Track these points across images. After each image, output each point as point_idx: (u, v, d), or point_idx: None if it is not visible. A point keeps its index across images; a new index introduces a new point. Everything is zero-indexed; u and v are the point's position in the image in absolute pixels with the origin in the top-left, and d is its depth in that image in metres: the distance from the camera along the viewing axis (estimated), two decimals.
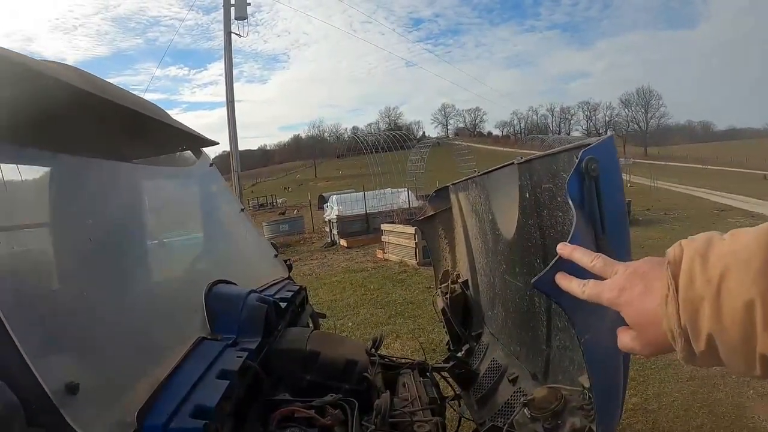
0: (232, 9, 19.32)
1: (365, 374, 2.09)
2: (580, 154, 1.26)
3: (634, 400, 4.82)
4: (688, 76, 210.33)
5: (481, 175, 2.81)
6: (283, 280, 2.96)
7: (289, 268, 3.28)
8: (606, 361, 1.33)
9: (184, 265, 2.36)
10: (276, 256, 3.26)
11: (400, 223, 14.27)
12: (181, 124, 2.46)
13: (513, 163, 2.19)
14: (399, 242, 13.42)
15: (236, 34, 19.51)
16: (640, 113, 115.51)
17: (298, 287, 2.92)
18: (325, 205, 21.66)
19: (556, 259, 0.90)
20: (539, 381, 2.21)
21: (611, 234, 1.29)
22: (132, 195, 2.14)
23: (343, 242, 17.50)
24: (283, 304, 2.40)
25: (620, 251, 1.29)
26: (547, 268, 0.93)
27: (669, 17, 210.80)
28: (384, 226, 14.63)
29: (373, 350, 2.46)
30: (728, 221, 17.52)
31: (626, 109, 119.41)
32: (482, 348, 3.02)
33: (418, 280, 10.76)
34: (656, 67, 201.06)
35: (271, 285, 2.71)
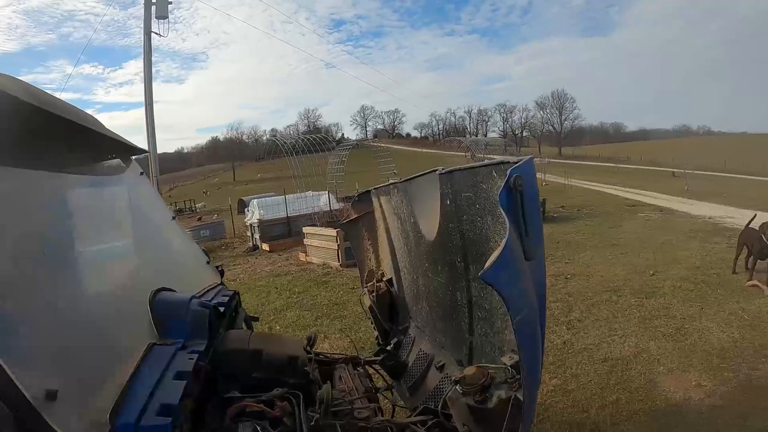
0: (153, 8, 18.49)
1: (306, 368, 2.26)
2: (509, 171, 1.53)
3: (554, 382, 5.24)
4: (601, 80, 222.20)
5: (403, 181, 3.04)
6: (217, 286, 3.05)
7: (221, 273, 3.37)
8: (532, 338, 1.61)
9: (127, 274, 2.41)
10: (208, 262, 3.35)
11: (322, 226, 14.37)
12: (112, 132, 2.51)
13: (434, 172, 2.44)
14: (321, 245, 13.52)
15: (157, 33, 18.58)
16: (555, 115, 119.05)
17: (232, 292, 3.02)
18: (246, 209, 21.29)
19: (497, 253, 1.15)
20: (464, 366, 2.46)
21: (531, 235, 1.58)
22: (72, 206, 2.19)
23: (265, 246, 17.36)
24: (221, 309, 2.52)
25: (537, 248, 1.63)
26: (490, 262, 1.18)
27: (586, 25, 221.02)
28: (306, 230, 14.68)
29: (308, 348, 2.64)
30: (639, 215, 18.84)
31: (541, 111, 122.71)
32: (409, 340, 3.26)
33: (341, 282, 10.94)
34: (572, 71, 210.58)
35: (208, 290, 2.79)
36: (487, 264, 1.31)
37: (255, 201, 20.36)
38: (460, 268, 2.35)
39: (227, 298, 2.78)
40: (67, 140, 2.17)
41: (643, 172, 57.09)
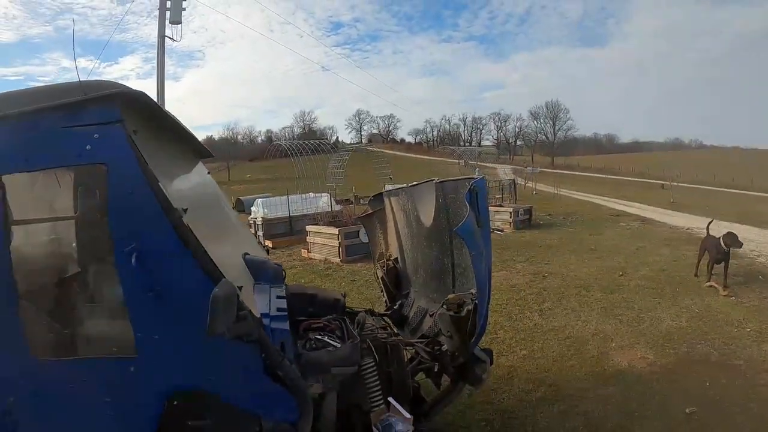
0: (167, 12, 18.96)
1: (345, 308, 3.40)
2: (470, 183, 2.83)
3: (523, 353, 6.41)
4: (597, 90, 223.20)
5: (409, 186, 4.21)
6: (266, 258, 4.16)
7: (267, 251, 4.49)
8: (481, 269, 2.82)
9: (234, 239, 3.56)
10: (259, 242, 4.48)
11: (324, 225, 15.38)
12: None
13: (432, 181, 3.63)
14: (323, 242, 14.55)
15: (170, 38, 19.16)
16: (548, 125, 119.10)
17: (280, 263, 4.14)
18: (251, 208, 22.12)
19: (463, 220, 2.39)
20: None
21: (483, 219, 2.78)
22: (195, 192, 3.35)
23: (268, 243, 18.24)
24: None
25: (486, 228, 2.82)
26: (459, 225, 2.44)
27: (583, 35, 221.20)
28: (309, 228, 15.68)
29: None
30: (620, 225, 19.65)
31: (535, 121, 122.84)
32: (410, 302, 4.41)
33: (342, 274, 11.97)
34: (567, 81, 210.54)
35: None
36: (458, 225, 2.59)
37: (260, 201, 21.23)
38: (447, 242, 3.53)
39: (280, 265, 3.90)
40: (181, 142, 3.32)
41: (633, 183, 57.81)
